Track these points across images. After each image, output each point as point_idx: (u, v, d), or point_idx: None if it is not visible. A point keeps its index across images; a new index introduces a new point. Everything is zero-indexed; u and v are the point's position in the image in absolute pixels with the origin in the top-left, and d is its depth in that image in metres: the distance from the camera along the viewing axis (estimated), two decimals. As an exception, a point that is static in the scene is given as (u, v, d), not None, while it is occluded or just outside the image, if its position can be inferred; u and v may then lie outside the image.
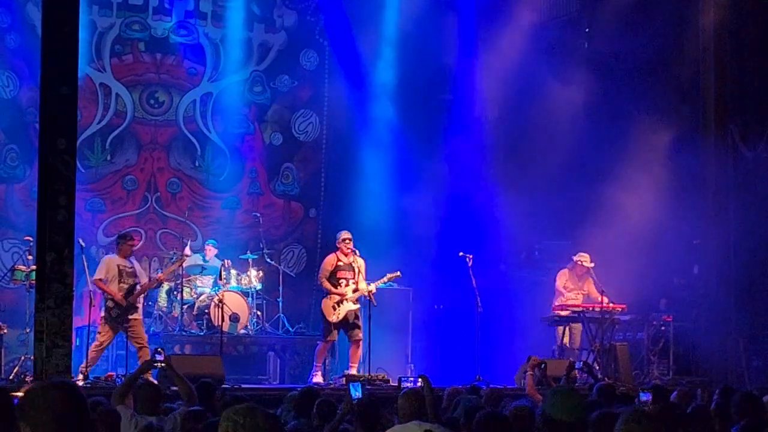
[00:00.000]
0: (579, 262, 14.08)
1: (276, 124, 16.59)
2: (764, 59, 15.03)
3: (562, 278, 14.13)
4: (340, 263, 12.82)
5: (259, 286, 14.59)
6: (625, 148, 15.08)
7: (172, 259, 13.90)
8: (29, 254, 12.69)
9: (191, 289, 14.28)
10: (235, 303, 14.02)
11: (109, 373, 12.46)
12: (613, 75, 15.66)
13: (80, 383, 10.93)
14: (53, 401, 3.09)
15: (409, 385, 10.71)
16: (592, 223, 14.53)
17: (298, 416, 7.35)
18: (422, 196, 15.73)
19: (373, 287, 12.80)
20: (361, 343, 12.85)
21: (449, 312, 15.84)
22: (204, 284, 14.39)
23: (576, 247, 14.32)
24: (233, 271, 14.48)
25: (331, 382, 12.78)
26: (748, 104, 15.13)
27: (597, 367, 13.22)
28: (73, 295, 9.86)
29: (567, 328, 14.07)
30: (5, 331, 12.37)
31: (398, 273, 13.10)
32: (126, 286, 12.00)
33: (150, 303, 14.07)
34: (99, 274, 12.01)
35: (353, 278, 12.81)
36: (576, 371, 11.89)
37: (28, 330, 12.02)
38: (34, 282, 11.00)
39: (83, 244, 12.28)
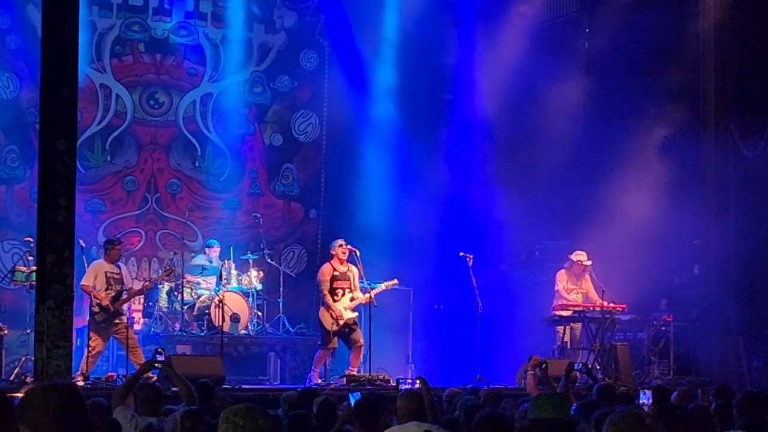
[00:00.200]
0: (577, 261, 14.05)
1: (276, 124, 16.59)
2: (764, 59, 15.03)
3: (562, 280, 14.06)
4: (336, 273, 12.79)
5: (259, 287, 14.60)
6: (625, 148, 15.09)
7: (173, 260, 13.90)
8: (29, 255, 12.70)
9: (192, 289, 14.28)
10: (236, 303, 14.02)
11: (110, 374, 12.48)
12: (613, 75, 15.67)
13: (80, 384, 10.94)
14: (53, 402, 3.09)
15: (407, 386, 10.73)
16: (593, 223, 14.54)
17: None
18: (422, 197, 15.73)
19: (369, 296, 12.78)
20: (362, 349, 12.84)
21: (450, 312, 15.84)
22: (206, 285, 14.38)
23: (576, 247, 14.31)
24: (234, 272, 14.49)
25: (331, 382, 12.77)
26: (748, 104, 15.13)
27: (598, 367, 13.21)
28: (73, 296, 9.86)
29: (567, 328, 14.06)
30: (6, 332, 12.37)
31: (395, 281, 13.09)
32: (113, 292, 12.09)
33: (150, 303, 14.09)
34: (87, 279, 12.09)
35: (349, 287, 12.80)
36: (576, 372, 11.87)
37: (28, 331, 12.02)
38: (34, 283, 11.00)
39: (83, 245, 12.32)
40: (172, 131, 16.02)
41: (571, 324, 13.99)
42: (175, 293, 14.14)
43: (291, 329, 14.83)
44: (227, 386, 11.42)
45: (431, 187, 15.90)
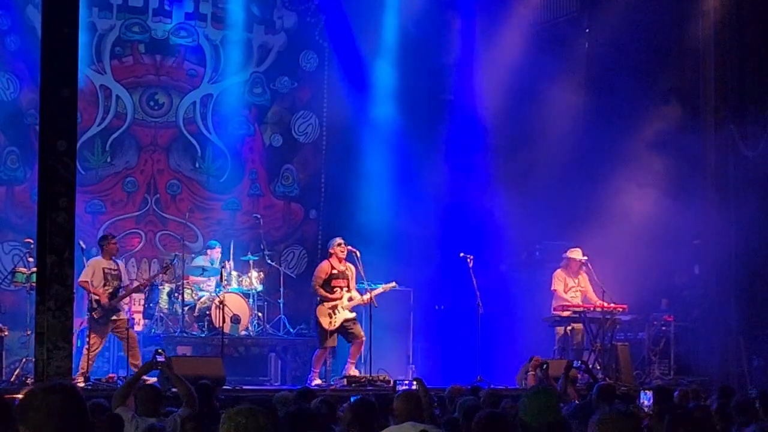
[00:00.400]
0: (572, 258, 13.99)
1: (276, 125, 16.60)
2: (765, 59, 15.02)
3: (559, 282, 14.00)
4: (334, 271, 12.78)
5: (259, 288, 14.59)
6: (625, 148, 15.09)
7: (173, 260, 13.90)
8: (30, 256, 12.71)
9: (192, 290, 14.28)
10: (236, 304, 14.02)
11: (110, 375, 12.49)
12: (613, 74, 15.67)
13: (81, 385, 10.95)
14: (53, 404, 3.09)
15: (404, 387, 10.74)
16: (593, 223, 14.53)
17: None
18: (422, 197, 15.74)
19: (367, 297, 12.77)
20: (362, 343, 12.83)
21: (450, 313, 15.84)
22: (207, 286, 14.38)
23: (583, 252, 14.23)
24: (234, 273, 14.49)
25: (331, 383, 12.77)
26: (749, 104, 15.12)
27: (598, 367, 13.21)
28: (73, 297, 9.86)
29: (568, 329, 14.04)
30: (6, 333, 12.37)
31: (394, 284, 13.08)
32: (110, 288, 12.13)
33: (151, 305, 14.09)
34: (84, 276, 12.15)
35: (347, 286, 12.79)
36: (575, 370, 11.88)
37: (28, 332, 12.03)
38: (34, 284, 11.01)
39: (84, 245, 12.34)
40: (172, 132, 16.02)
41: (572, 324, 13.98)
42: (176, 294, 14.14)
43: (291, 330, 14.83)
44: (228, 387, 11.42)
45: (431, 188, 15.90)
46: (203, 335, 13.94)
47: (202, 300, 14.15)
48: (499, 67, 15.81)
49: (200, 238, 15.66)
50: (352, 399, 6.96)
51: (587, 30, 16.37)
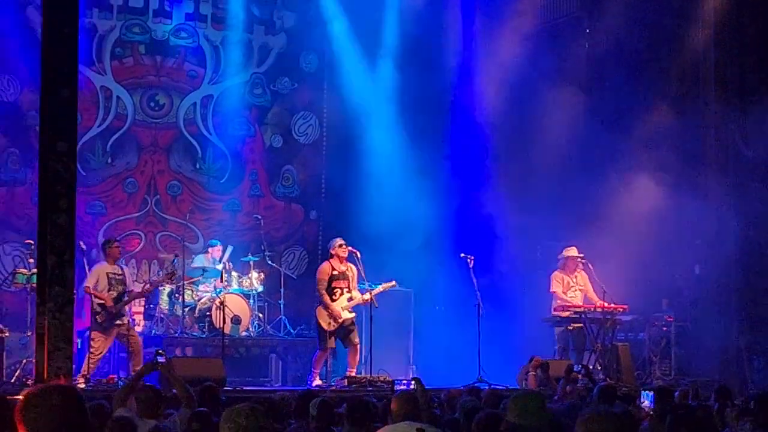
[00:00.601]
0: (569, 257, 13.95)
1: (276, 126, 16.61)
2: (765, 59, 15.01)
3: (557, 283, 13.95)
4: (335, 272, 12.76)
5: (260, 288, 14.59)
6: (625, 148, 15.09)
7: (174, 261, 13.90)
8: (30, 257, 12.72)
9: (192, 291, 14.28)
10: (237, 305, 14.02)
11: (111, 376, 12.48)
12: (613, 75, 15.67)
13: (81, 386, 10.95)
14: (53, 405, 3.09)
15: (402, 387, 10.73)
16: (594, 223, 14.53)
17: (297, 418, 7.34)
18: (423, 197, 15.74)
19: (367, 296, 12.76)
20: (358, 347, 12.83)
21: (450, 313, 15.84)
22: (207, 287, 14.38)
23: (579, 249, 14.24)
24: (234, 274, 14.49)
25: (332, 384, 12.77)
26: (749, 104, 15.12)
27: (599, 368, 13.19)
28: (74, 298, 9.84)
29: (568, 329, 14.02)
30: (6, 334, 12.37)
31: (393, 282, 13.07)
32: (115, 293, 12.15)
33: (151, 306, 14.09)
34: (88, 282, 12.19)
35: (347, 286, 12.78)
36: (575, 373, 11.88)
37: (29, 333, 12.03)
38: (35, 285, 11.00)
39: (84, 247, 12.35)
40: (173, 133, 16.03)
41: (572, 325, 13.96)
42: (176, 295, 14.13)
43: (292, 331, 14.83)
44: (228, 388, 11.41)
45: (432, 188, 15.90)
46: (204, 336, 13.94)
47: (202, 301, 14.15)
48: (500, 67, 15.81)
49: (201, 239, 15.66)
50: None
51: (587, 30, 16.36)
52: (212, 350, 13.60)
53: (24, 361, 12.05)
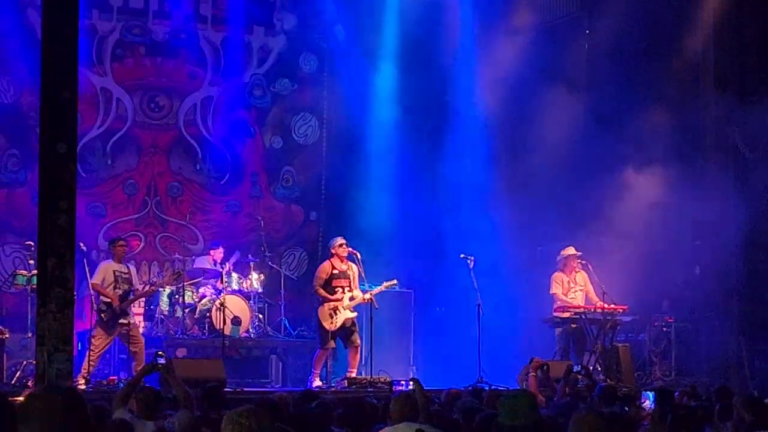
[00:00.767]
0: (568, 256, 13.92)
1: (276, 127, 16.61)
2: (765, 58, 15.02)
3: (557, 285, 13.91)
4: (335, 271, 12.75)
5: (260, 290, 14.59)
6: (625, 149, 15.08)
7: (174, 263, 13.90)
8: (30, 259, 12.73)
9: (193, 292, 14.28)
10: (237, 306, 14.02)
11: (111, 377, 12.49)
12: (613, 75, 15.66)
13: (82, 387, 10.96)
14: (54, 406, 3.09)
15: (400, 387, 10.73)
16: (594, 224, 14.53)
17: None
18: (423, 198, 15.74)
19: (368, 295, 12.77)
20: (359, 348, 12.83)
21: (451, 314, 15.83)
22: (207, 288, 14.38)
23: (579, 249, 14.22)
24: (234, 275, 14.48)
25: (332, 385, 12.76)
26: (749, 104, 15.12)
27: (599, 369, 13.19)
28: (74, 300, 9.83)
29: (568, 329, 14.01)
30: (7, 335, 12.38)
31: (395, 281, 13.07)
32: (121, 291, 12.20)
33: (152, 306, 14.09)
34: (95, 279, 12.28)
35: (348, 286, 12.77)
36: (575, 374, 11.87)
37: (29, 334, 12.04)
38: (35, 286, 11.00)
39: (84, 248, 12.33)
40: (173, 134, 16.03)
41: (572, 325, 13.96)
42: (176, 296, 14.13)
43: (292, 332, 14.83)
44: (229, 389, 11.40)
45: (432, 189, 15.90)
46: (204, 337, 13.94)
47: (202, 302, 14.15)
48: (499, 67, 15.81)
49: (201, 240, 15.66)
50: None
51: (587, 30, 16.36)
52: (212, 351, 13.59)
53: (24, 362, 12.07)
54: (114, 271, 12.30)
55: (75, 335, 10.89)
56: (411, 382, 7.57)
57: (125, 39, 15.72)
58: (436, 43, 16.40)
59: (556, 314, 13.91)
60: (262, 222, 15.49)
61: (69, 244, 9.46)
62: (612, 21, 15.45)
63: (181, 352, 13.66)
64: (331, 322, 12.64)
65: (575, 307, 13.75)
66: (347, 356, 12.97)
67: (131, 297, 12.37)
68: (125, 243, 12.94)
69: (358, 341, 12.78)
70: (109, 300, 12.13)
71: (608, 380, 12.38)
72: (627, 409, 7.95)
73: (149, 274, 15.29)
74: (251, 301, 14.36)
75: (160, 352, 8.14)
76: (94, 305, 12.16)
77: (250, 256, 14.88)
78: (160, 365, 7.93)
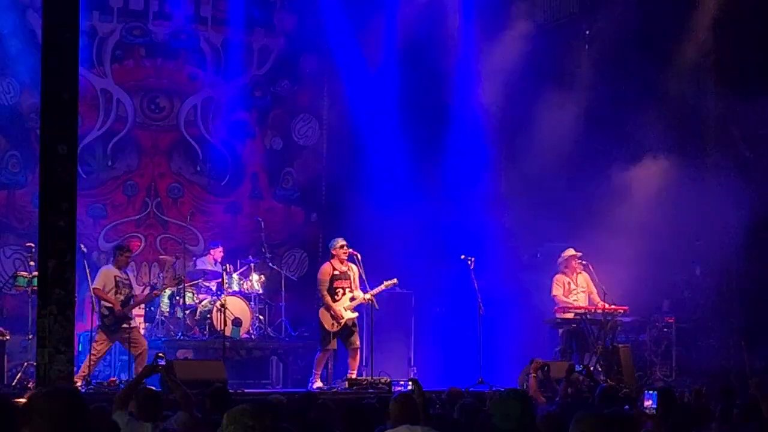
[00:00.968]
0: (568, 257, 13.91)
1: (276, 128, 16.61)
2: (765, 58, 15.01)
3: (558, 287, 13.88)
4: (336, 272, 12.76)
5: (261, 291, 14.59)
6: (626, 149, 15.08)
7: (175, 263, 13.91)
8: (31, 260, 12.73)
9: (193, 294, 14.29)
10: (238, 307, 14.02)
11: (112, 379, 12.51)
12: (613, 75, 15.65)
13: (82, 389, 10.96)
14: (55, 407, 3.09)
15: (400, 389, 10.72)
16: (594, 224, 14.51)
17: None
18: (423, 199, 15.72)
19: (369, 296, 12.77)
20: (358, 350, 12.83)
21: (451, 315, 15.82)
22: (208, 289, 14.39)
23: (579, 250, 14.21)
24: (235, 276, 14.48)
25: (333, 386, 12.76)
26: (749, 105, 15.11)
27: (600, 369, 13.19)
28: (75, 301, 9.85)
29: (569, 330, 14.01)
30: (8, 337, 12.38)
31: (395, 280, 13.07)
32: (122, 297, 12.22)
33: (152, 308, 14.09)
34: (97, 284, 12.28)
35: (349, 287, 12.77)
36: (576, 374, 11.87)
37: (30, 336, 12.05)
38: (36, 288, 11.00)
39: (85, 249, 12.38)
40: (173, 135, 16.04)
41: (573, 326, 13.95)
42: (177, 298, 14.14)
43: (293, 333, 14.83)
44: (229, 390, 11.40)
45: (432, 190, 15.89)
46: (204, 338, 13.94)
47: (203, 303, 14.16)
48: (499, 67, 15.80)
49: (201, 241, 15.67)
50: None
51: (587, 31, 16.35)
52: (213, 353, 13.60)
53: (25, 364, 12.07)
54: (115, 277, 12.33)
55: (75, 336, 10.93)
56: (410, 383, 7.57)
57: (125, 40, 15.73)
58: (436, 43, 16.39)
59: (557, 315, 13.91)
60: (262, 223, 15.49)
61: (69, 246, 9.47)
62: (612, 21, 15.44)
63: (183, 354, 13.67)
64: (333, 323, 12.64)
65: (576, 308, 13.75)
66: (347, 358, 12.97)
67: (132, 303, 12.39)
68: (131, 254, 12.97)
69: (358, 343, 12.78)
70: (110, 305, 12.14)
71: (609, 381, 12.37)
72: (632, 409, 7.94)
73: (149, 275, 15.29)
74: (252, 303, 14.37)
75: (160, 354, 8.13)
76: (95, 307, 12.18)
77: (250, 257, 14.89)
78: (160, 367, 7.92)
